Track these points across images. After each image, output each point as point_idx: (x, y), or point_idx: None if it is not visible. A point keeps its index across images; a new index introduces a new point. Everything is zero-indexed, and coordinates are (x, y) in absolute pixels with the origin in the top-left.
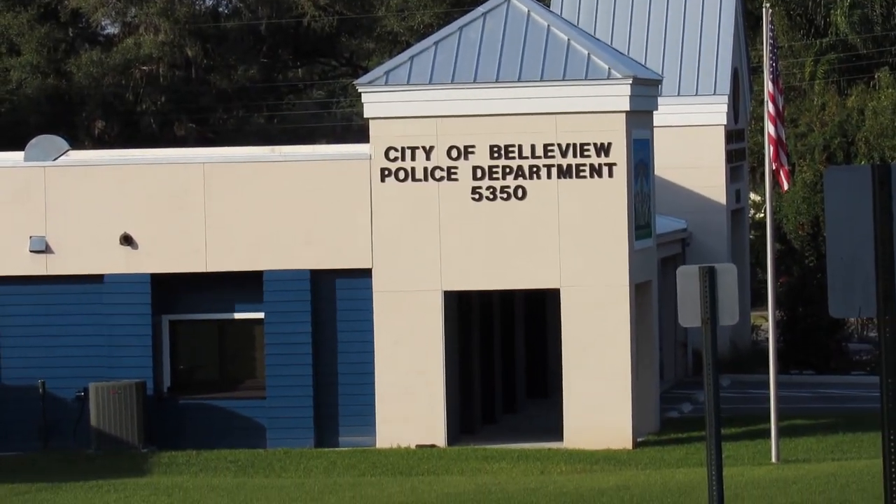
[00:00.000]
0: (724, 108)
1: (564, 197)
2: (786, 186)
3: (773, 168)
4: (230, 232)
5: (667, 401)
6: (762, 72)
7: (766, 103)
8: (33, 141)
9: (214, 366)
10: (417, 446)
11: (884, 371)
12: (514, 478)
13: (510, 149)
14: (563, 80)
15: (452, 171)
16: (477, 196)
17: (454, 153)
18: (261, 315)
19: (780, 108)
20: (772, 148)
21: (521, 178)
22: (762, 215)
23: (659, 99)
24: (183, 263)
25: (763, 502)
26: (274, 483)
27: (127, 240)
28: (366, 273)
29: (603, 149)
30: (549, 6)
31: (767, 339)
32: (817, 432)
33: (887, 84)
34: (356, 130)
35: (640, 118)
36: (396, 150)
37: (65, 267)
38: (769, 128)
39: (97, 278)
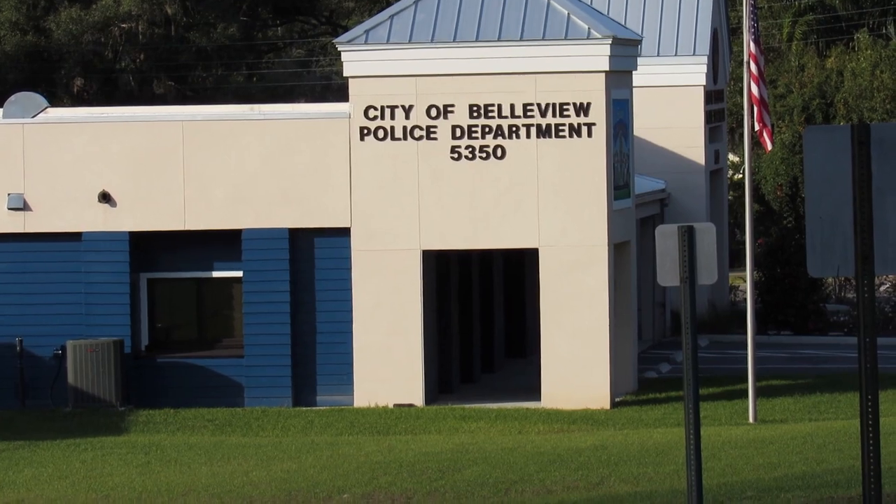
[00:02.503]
0: (704, 68)
1: (543, 157)
2: (769, 147)
3: (757, 129)
4: (209, 190)
5: (645, 361)
6: (741, 33)
7: (746, 64)
8: (12, 98)
9: (192, 324)
10: (395, 405)
11: (862, 331)
12: (492, 437)
13: (489, 108)
14: (543, 39)
15: (432, 130)
16: (456, 155)
17: (433, 112)
18: (239, 274)
19: (762, 68)
20: (755, 108)
21: (500, 138)
22: (740, 176)
23: (638, 59)
24: (161, 222)
25: (740, 462)
26: (251, 442)
27: (105, 198)
28: (344, 232)
29: (582, 109)
30: None
31: (745, 299)
32: (794, 393)
33: (866, 45)
34: (335, 89)
35: (619, 78)
36: (376, 108)
37: (43, 225)
38: (752, 88)
39: (75, 236)
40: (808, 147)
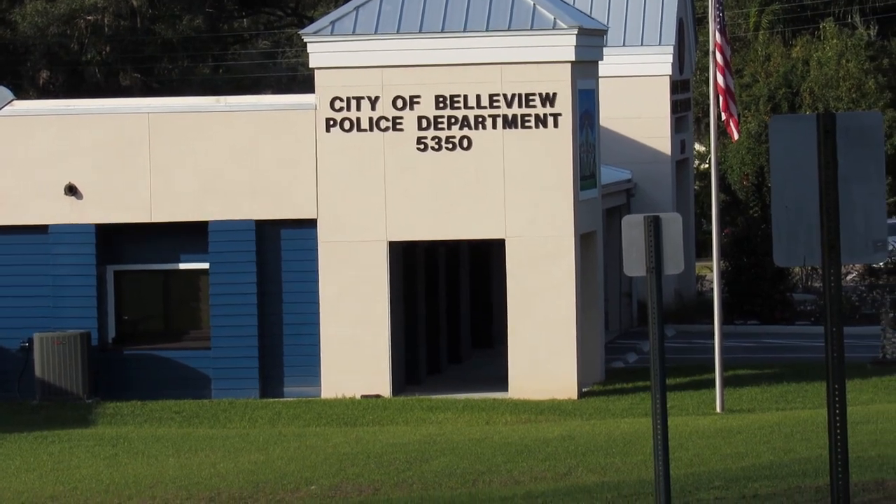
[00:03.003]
0: (670, 58)
1: (510, 147)
2: (736, 136)
3: (724, 118)
4: (175, 182)
5: (612, 351)
6: (707, 22)
7: (712, 53)
8: None
9: (159, 316)
10: (362, 396)
11: (828, 320)
12: (460, 428)
13: (455, 99)
14: (509, 30)
15: (398, 121)
16: (422, 146)
17: (399, 103)
18: (206, 265)
19: (728, 57)
20: (721, 98)
21: (466, 129)
22: (707, 166)
23: (604, 49)
24: (128, 214)
25: (708, 452)
26: (219, 433)
27: (71, 190)
28: (311, 223)
29: (548, 99)
30: None
31: (712, 289)
32: (762, 382)
33: (832, 35)
34: (301, 81)
35: (585, 68)
36: (342, 100)
37: (9, 217)
38: (718, 77)
39: (42, 229)
40: (774, 136)
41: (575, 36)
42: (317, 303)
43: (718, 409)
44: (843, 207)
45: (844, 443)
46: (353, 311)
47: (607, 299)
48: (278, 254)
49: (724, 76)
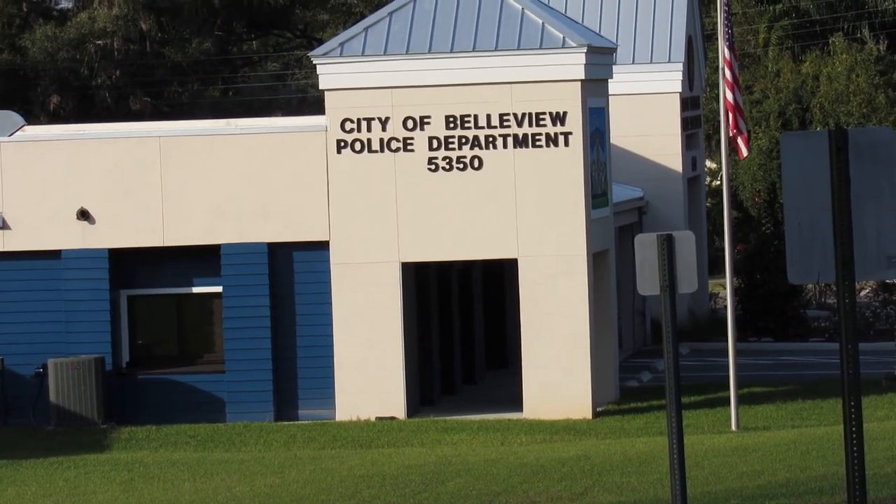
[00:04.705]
0: (679, 75)
1: (521, 167)
2: (744, 153)
3: (732, 135)
4: (187, 206)
5: (626, 370)
6: (716, 39)
7: (721, 70)
8: None
9: (173, 340)
10: (377, 419)
11: (843, 337)
12: (475, 449)
13: (466, 119)
14: (518, 49)
15: (408, 142)
16: (433, 167)
17: (410, 124)
18: (219, 289)
19: (736, 74)
20: (730, 115)
21: (477, 149)
22: (718, 183)
23: (614, 67)
24: (140, 238)
25: (724, 470)
26: (234, 457)
27: (84, 215)
28: (323, 245)
29: (558, 118)
30: None
31: (725, 306)
32: (776, 400)
33: (841, 50)
34: (311, 102)
35: (595, 87)
36: (352, 121)
37: (22, 243)
38: (727, 94)
39: (55, 254)
40: (786, 153)
41: (584, 54)
42: (330, 325)
43: (734, 427)
44: (856, 223)
45: (861, 459)
46: (366, 333)
47: (620, 318)
48: (291, 276)
49: (732, 92)
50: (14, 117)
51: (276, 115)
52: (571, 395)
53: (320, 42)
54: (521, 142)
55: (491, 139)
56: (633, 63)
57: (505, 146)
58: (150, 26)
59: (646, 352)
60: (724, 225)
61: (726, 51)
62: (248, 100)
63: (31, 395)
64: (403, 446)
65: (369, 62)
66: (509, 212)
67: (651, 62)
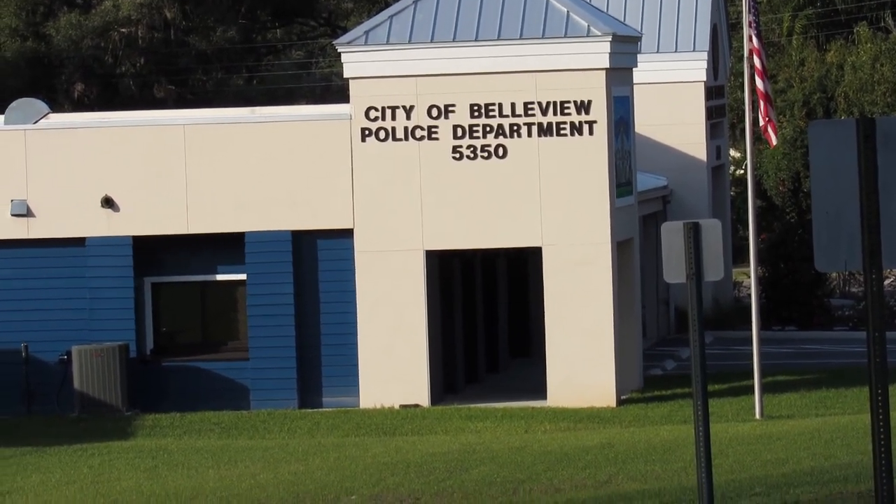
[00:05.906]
0: (704, 64)
1: (545, 155)
2: (774, 142)
3: (762, 124)
4: (211, 193)
5: (650, 358)
6: (741, 28)
7: (748, 59)
8: (13, 104)
9: (197, 328)
10: (401, 406)
11: (870, 325)
12: (498, 437)
13: (490, 107)
14: (543, 37)
15: (433, 130)
16: (458, 155)
17: (434, 112)
18: (243, 276)
19: (764, 62)
20: (762, 103)
21: (501, 137)
22: (742, 172)
23: (638, 56)
24: (164, 225)
25: (748, 458)
26: (258, 444)
27: (108, 202)
28: (347, 233)
29: (583, 106)
30: None
31: (750, 295)
32: (801, 388)
33: (866, 39)
34: (336, 91)
35: (619, 75)
36: (377, 109)
37: (46, 230)
38: (757, 82)
39: (79, 241)
40: (813, 142)
41: (609, 43)
42: (354, 313)
43: (758, 416)
44: (883, 212)
45: (888, 447)
46: (390, 321)
47: (644, 306)
48: (315, 264)
49: (762, 81)
50: (38, 105)
51: (300, 104)
52: (595, 383)
53: (344, 30)
54: (545, 130)
55: (515, 128)
56: (657, 52)
57: (529, 135)
58: (175, 14)
59: (669, 340)
60: (748, 214)
61: (754, 39)
62: (273, 88)
63: (56, 382)
64: (427, 434)
65: (394, 50)
66: (533, 200)
67: (676, 51)
